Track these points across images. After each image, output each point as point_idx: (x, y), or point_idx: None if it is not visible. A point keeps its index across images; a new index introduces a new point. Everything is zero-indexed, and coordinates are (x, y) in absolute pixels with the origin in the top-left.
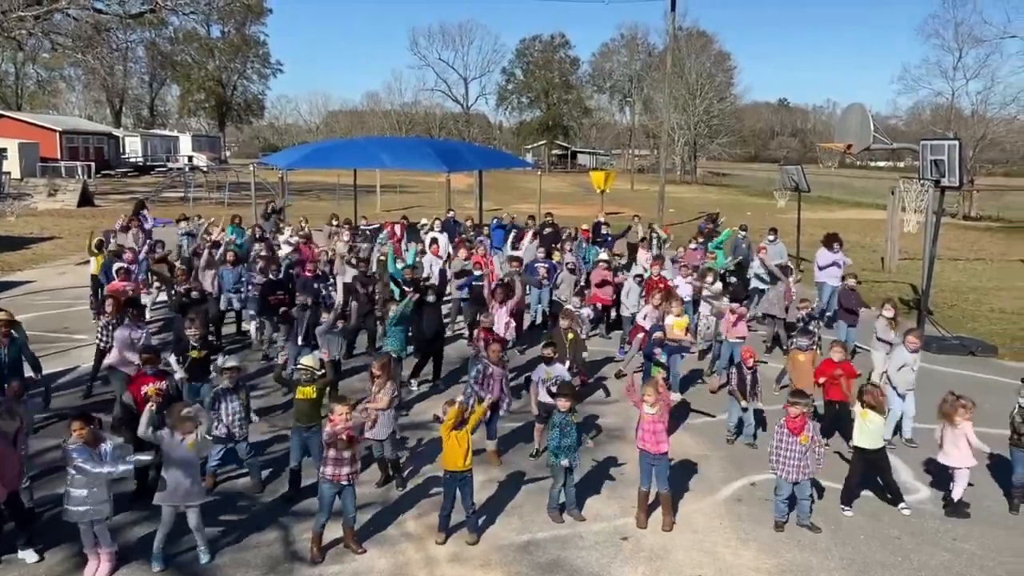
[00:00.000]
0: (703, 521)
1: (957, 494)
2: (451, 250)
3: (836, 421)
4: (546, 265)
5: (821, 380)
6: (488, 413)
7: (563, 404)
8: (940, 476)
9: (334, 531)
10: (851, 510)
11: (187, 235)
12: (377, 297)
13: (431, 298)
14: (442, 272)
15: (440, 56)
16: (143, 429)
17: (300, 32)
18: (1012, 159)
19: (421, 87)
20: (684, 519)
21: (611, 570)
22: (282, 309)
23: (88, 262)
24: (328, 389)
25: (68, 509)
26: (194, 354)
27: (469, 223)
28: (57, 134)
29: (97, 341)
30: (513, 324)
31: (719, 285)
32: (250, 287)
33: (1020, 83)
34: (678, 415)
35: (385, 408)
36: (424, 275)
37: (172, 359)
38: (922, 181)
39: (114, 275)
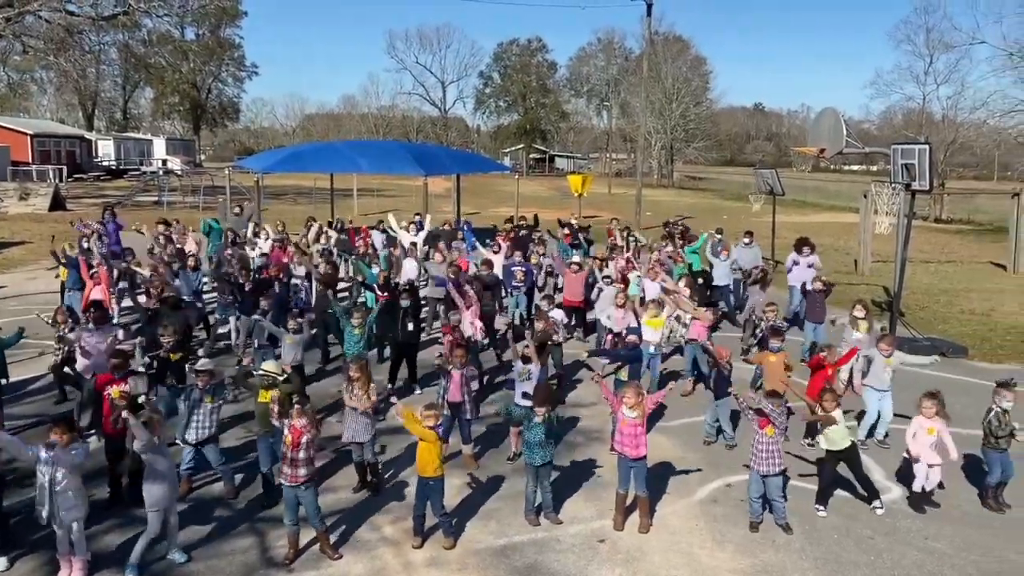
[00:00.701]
0: (679, 523)
1: (915, 486)
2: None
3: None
4: (523, 268)
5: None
6: (443, 418)
7: (539, 411)
8: (910, 475)
9: (312, 534)
10: (825, 511)
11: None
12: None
13: (405, 302)
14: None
15: (417, 59)
16: (140, 446)
17: (276, 35)
18: (982, 163)
19: (398, 90)
20: (661, 521)
21: (588, 573)
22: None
23: (55, 267)
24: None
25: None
26: (173, 357)
27: (447, 227)
28: (28, 137)
29: (56, 355)
30: (480, 325)
31: (687, 290)
32: (222, 294)
33: (990, 88)
34: (655, 417)
35: (373, 406)
36: (406, 280)
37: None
38: (894, 184)
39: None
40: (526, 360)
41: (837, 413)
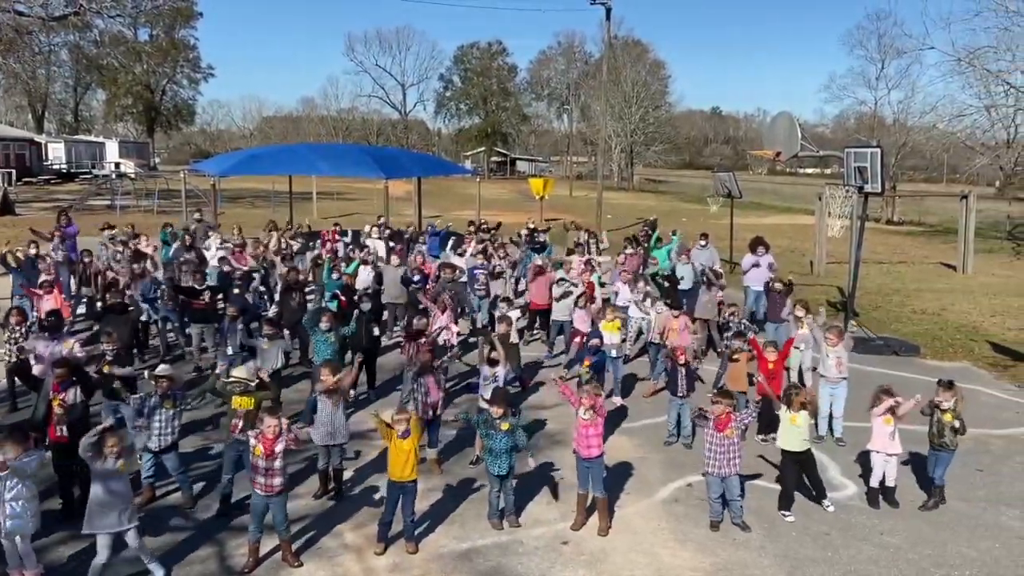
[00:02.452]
0: (642, 523)
1: (873, 480)
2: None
3: (773, 415)
4: (485, 271)
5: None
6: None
7: (495, 411)
8: (866, 472)
9: (273, 542)
10: (791, 515)
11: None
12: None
13: (365, 307)
14: (377, 278)
15: (377, 62)
16: (82, 451)
17: (233, 36)
18: (931, 166)
19: (358, 93)
20: (623, 521)
21: (551, 575)
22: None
23: (7, 273)
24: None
25: None
26: (107, 369)
27: (412, 229)
28: None
29: (6, 357)
30: (456, 329)
31: (649, 289)
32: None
33: (939, 93)
34: (617, 418)
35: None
36: (364, 286)
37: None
38: (847, 187)
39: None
40: (492, 363)
41: (801, 416)
